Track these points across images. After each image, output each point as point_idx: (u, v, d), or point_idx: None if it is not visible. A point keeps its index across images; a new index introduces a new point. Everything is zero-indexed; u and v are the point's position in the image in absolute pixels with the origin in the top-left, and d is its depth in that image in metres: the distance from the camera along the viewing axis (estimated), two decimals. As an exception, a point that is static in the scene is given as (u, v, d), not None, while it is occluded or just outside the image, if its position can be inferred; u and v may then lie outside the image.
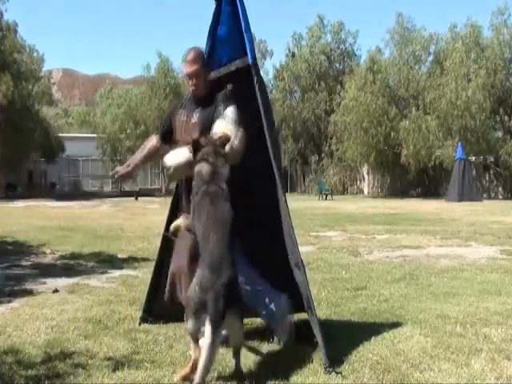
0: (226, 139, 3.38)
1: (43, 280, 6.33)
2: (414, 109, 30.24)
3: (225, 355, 3.56)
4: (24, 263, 7.67)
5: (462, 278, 6.33)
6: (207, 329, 2.89)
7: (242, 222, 3.84)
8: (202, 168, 3.31)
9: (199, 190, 3.28)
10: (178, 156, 3.56)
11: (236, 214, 3.27)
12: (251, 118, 3.92)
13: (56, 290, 5.69)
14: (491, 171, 30.56)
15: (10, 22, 31.46)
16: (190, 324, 3.08)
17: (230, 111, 3.63)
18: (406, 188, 33.55)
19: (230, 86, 3.82)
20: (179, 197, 4.14)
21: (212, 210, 3.19)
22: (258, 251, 4.10)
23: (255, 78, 3.89)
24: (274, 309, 3.84)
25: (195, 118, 3.82)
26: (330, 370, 3.24)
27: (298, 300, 3.95)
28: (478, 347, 3.70)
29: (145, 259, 7.70)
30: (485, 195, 28.96)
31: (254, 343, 3.81)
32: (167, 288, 3.78)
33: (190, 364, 3.13)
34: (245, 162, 3.65)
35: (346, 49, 39.42)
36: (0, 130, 29.45)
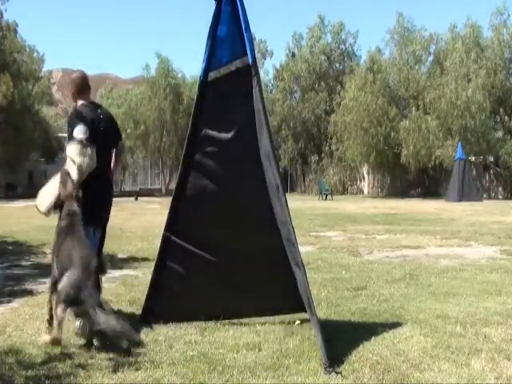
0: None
1: (43, 280, 6.32)
2: (414, 109, 30.23)
3: (225, 355, 3.57)
4: (24, 263, 7.67)
5: (461, 278, 6.33)
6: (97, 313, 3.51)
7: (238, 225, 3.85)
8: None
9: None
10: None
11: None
12: (250, 117, 3.93)
13: (56, 290, 5.69)
14: (491, 171, 30.56)
15: (9, 22, 31.45)
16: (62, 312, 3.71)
17: (77, 131, 4.20)
18: (406, 188, 33.55)
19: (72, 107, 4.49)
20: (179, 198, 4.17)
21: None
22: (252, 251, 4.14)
23: (255, 78, 3.90)
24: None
25: None
26: (330, 370, 3.24)
27: (298, 300, 3.96)
28: (478, 347, 3.70)
29: (145, 259, 7.70)
30: (485, 195, 28.94)
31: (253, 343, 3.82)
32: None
33: (52, 337, 3.75)
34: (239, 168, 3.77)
35: (346, 49, 39.43)
36: (0, 130, 29.44)
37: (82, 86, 4.45)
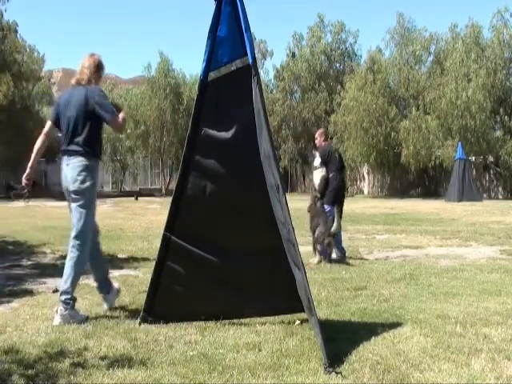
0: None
1: (43, 280, 6.33)
2: (414, 109, 30.19)
3: (225, 355, 3.57)
4: (24, 263, 7.67)
5: (461, 278, 6.33)
6: None
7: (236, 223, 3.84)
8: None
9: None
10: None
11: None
12: (250, 117, 3.94)
13: (56, 290, 5.68)
14: (491, 171, 30.54)
15: (10, 23, 31.41)
16: (319, 246, 7.49)
17: (315, 162, 8.05)
18: (406, 188, 33.54)
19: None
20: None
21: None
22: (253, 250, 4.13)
23: (255, 78, 3.90)
24: None
25: None
26: (330, 370, 3.24)
27: (298, 300, 3.96)
28: (478, 347, 3.70)
29: (145, 259, 7.71)
30: (485, 195, 28.92)
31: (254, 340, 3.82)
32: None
33: (317, 261, 7.42)
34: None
35: (346, 49, 39.35)
36: (0, 130, 29.44)
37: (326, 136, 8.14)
